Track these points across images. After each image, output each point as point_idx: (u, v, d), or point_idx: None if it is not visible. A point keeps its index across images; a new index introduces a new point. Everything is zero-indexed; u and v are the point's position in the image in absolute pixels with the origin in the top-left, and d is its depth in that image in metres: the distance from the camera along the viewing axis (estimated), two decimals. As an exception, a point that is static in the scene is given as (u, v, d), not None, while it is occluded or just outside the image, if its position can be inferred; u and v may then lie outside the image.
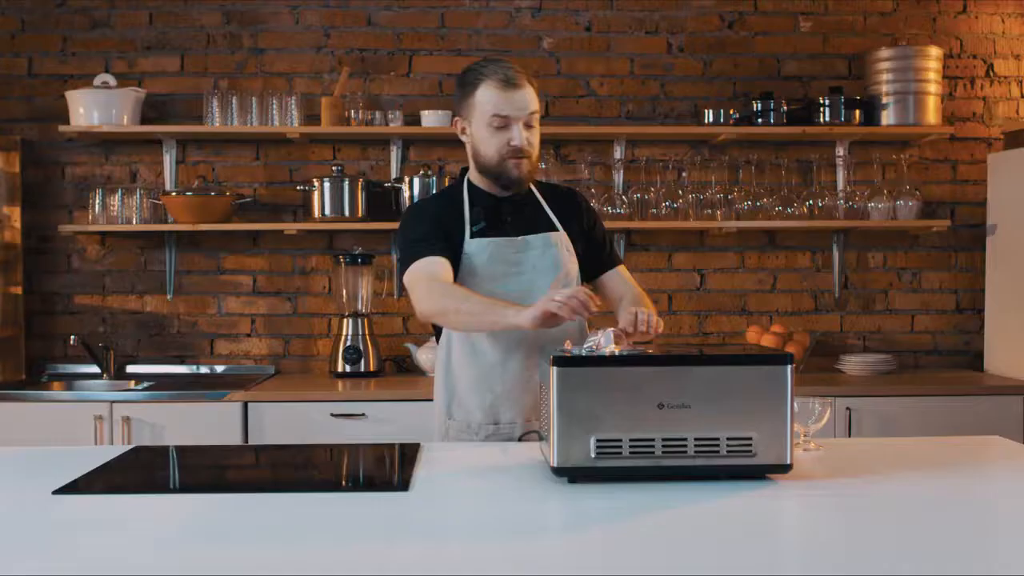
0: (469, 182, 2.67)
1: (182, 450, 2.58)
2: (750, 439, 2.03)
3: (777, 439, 2.03)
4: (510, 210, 2.64)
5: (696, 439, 2.02)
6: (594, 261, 2.76)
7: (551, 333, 2.49)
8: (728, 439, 2.02)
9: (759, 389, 2.04)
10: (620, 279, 2.77)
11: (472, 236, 2.59)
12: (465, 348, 2.62)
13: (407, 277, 2.55)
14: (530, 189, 2.69)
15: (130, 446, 2.58)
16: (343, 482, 2.27)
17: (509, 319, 2.33)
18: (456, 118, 2.63)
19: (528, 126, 2.54)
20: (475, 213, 2.62)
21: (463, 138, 2.63)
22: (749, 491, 1.97)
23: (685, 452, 2.02)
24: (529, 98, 2.53)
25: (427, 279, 2.48)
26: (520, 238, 2.61)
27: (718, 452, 2.02)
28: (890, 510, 1.87)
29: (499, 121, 2.51)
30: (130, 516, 1.85)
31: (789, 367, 2.05)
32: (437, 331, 2.72)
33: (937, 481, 2.10)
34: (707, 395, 2.03)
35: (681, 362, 2.08)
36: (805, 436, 2.37)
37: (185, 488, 2.22)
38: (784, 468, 2.04)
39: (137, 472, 2.30)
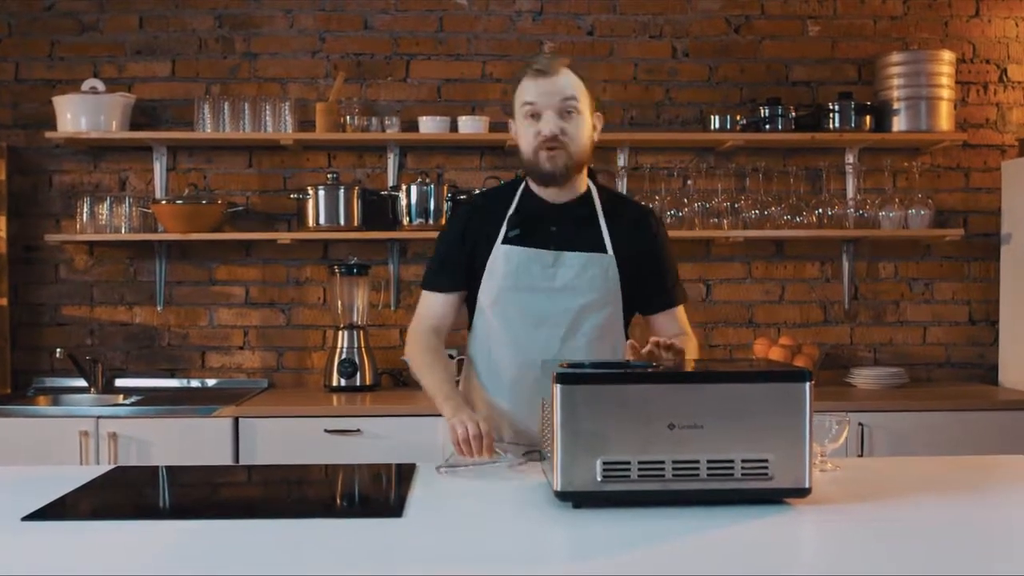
0: (527, 182, 2.53)
1: (164, 471, 2.46)
2: (766, 461, 1.92)
3: (795, 461, 1.92)
4: (558, 220, 2.47)
5: (709, 461, 1.91)
6: (649, 296, 2.54)
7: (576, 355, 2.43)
8: (743, 461, 1.91)
9: (776, 408, 1.93)
10: (672, 322, 2.56)
11: (504, 242, 2.46)
12: (483, 358, 2.52)
13: (419, 301, 2.61)
14: (591, 200, 2.51)
15: (113, 465, 2.47)
16: (333, 507, 2.15)
17: (443, 411, 2.39)
18: (510, 120, 2.50)
19: (565, 113, 2.36)
20: (513, 219, 2.47)
21: (516, 138, 2.48)
22: (766, 517, 1.86)
23: (697, 475, 1.90)
24: (562, 85, 2.36)
25: (421, 330, 2.55)
26: (553, 252, 2.44)
27: (732, 475, 1.91)
28: (917, 538, 1.76)
29: (529, 109, 2.38)
30: (106, 546, 1.73)
31: (807, 384, 1.94)
32: (470, 320, 2.59)
33: (963, 505, 1.99)
34: (720, 415, 1.91)
35: (693, 380, 1.98)
36: (822, 456, 2.26)
37: (166, 514, 2.09)
38: (803, 492, 1.93)
39: (116, 496, 2.18)
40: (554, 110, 2.36)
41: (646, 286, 2.53)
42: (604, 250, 2.46)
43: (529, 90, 2.38)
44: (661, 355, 2.17)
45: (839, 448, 2.31)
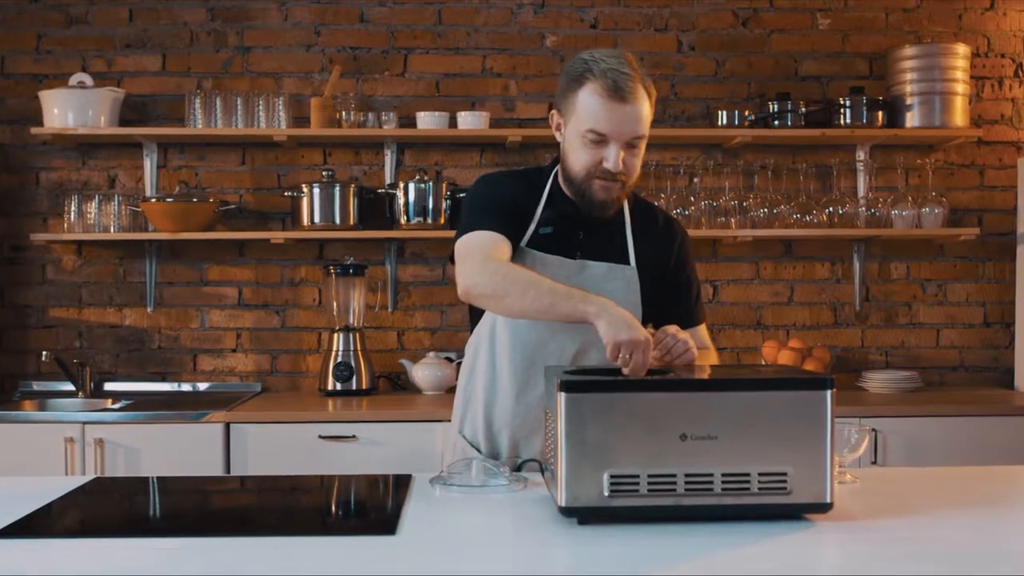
0: (555, 177, 2.33)
1: (145, 484, 2.34)
2: (785, 475, 1.80)
3: (815, 474, 1.81)
4: (586, 225, 2.30)
5: (723, 475, 1.79)
6: (670, 311, 2.35)
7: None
8: (760, 475, 1.80)
9: (795, 418, 1.81)
10: (696, 340, 2.35)
11: (531, 240, 2.28)
12: (487, 367, 2.34)
13: (461, 244, 2.23)
14: (620, 207, 2.33)
15: (97, 475, 2.35)
16: (324, 523, 2.04)
17: (588, 312, 2.01)
18: (553, 111, 2.28)
19: (630, 146, 2.16)
20: (546, 216, 2.30)
21: (557, 135, 2.29)
22: (784, 534, 1.75)
23: (711, 490, 1.79)
24: (638, 117, 2.15)
25: (483, 253, 2.16)
26: (579, 262, 2.28)
27: (748, 489, 1.79)
28: (945, 557, 1.65)
29: (595, 136, 2.15)
30: (82, 567, 1.61)
31: (829, 392, 1.82)
32: (473, 321, 2.41)
33: (990, 521, 1.89)
34: (736, 425, 1.80)
35: (706, 387, 1.85)
36: (840, 467, 2.14)
37: (147, 532, 1.96)
38: (824, 507, 1.82)
39: (94, 511, 2.06)
40: (622, 143, 2.16)
41: (667, 302, 2.38)
42: (627, 261, 2.32)
43: (599, 114, 2.13)
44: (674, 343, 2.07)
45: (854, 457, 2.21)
